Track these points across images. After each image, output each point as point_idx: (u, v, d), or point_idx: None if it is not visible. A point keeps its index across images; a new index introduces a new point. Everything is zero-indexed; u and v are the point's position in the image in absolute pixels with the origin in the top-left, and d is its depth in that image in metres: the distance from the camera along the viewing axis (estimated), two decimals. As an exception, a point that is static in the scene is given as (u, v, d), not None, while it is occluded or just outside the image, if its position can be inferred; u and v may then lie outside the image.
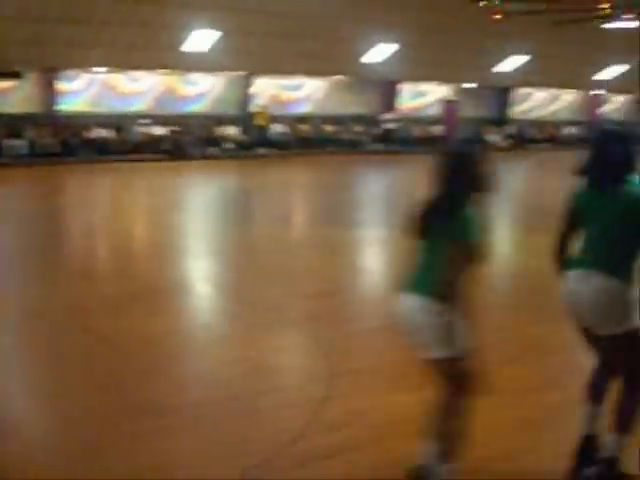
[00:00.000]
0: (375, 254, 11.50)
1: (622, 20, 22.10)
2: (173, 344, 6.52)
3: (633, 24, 22.31)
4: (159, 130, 26.60)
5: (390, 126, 31.35)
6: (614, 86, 37.20)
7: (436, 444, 3.82)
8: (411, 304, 3.75)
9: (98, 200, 17.32)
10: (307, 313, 7.57)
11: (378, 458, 4.43)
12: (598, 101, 40.10)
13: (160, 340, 6.53)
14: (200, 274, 9.78)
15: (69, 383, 5.57)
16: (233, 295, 8.44)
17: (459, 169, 3.74)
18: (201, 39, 24.61)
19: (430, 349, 3.74)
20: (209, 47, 24.94)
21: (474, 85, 34.26)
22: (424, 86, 33.64)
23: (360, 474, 4.27)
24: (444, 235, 3.64)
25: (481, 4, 20.01)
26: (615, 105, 41.72)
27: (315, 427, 4.80)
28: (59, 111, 25.02)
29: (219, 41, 24.69)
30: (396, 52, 28.20)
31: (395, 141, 31.24)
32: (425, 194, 3.77)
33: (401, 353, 6.29)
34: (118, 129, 25.82)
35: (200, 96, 28.24)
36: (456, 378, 3.76)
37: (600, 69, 35.19)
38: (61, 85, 25.20)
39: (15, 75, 23.99)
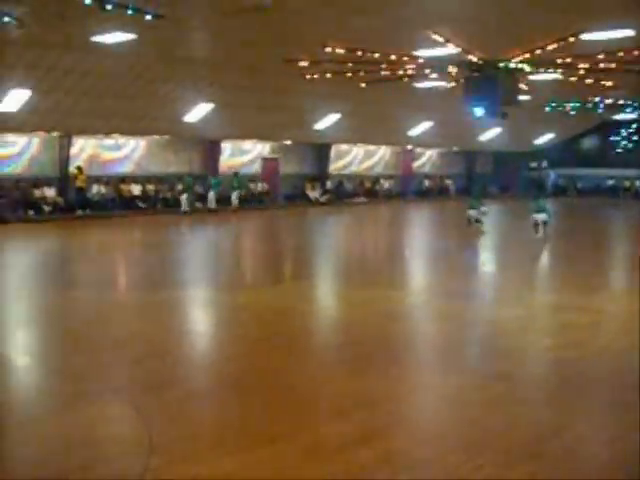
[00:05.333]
0: (200, 315, 11.38)
1: (431, 80, 23.45)
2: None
3: (441, 83, 23.76)
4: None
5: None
6: (423, 141, 39.24)
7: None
8: None
9: None
10: (127, 380, 7.38)
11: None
12: (411, 156, 42.09)
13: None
14: (17, 345, 9.29)
15: None
16: (49, 365, 8.08)
17: None
18: (12, 98, 23.71)
19: None
20: (20, 107, 24.01)
21: (289, 142, 35.00)
22: (246, 144, 34.04)
23: None
24: None
25: (301, 65, 20.64)
26: (425, 159, 44.00)
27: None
28: None
29: (30, 101, 23.82)
30: (215, 111, 28.40)
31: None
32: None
33: (224, 416, 6.33)
34: None
35: (15, 157, 27.17)
36: None
37: (412, 125, 36.97)
38: None
39: None
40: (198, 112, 28.39)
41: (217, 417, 6.41)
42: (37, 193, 26.86)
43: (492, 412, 6.38)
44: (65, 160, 27.89)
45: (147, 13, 14.45)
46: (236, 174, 31.57)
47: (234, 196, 31.08)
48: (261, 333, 9.44)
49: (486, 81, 20.49)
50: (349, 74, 21.89)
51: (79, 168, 27.66)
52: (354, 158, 39.51)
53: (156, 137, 30.27)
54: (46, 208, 26.63)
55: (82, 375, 7.44)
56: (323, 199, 35.42)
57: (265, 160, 34.97)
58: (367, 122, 33.16)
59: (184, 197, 29.31)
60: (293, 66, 21.14)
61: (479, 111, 21.44)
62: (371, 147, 39.76)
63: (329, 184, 36.86)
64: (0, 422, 6.24)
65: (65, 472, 5.07)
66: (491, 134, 41.01)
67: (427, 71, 21.81)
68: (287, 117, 30.06)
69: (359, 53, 18.58)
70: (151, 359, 8.11)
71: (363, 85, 24.41)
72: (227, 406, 6.63)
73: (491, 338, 9.29)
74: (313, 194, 35.57)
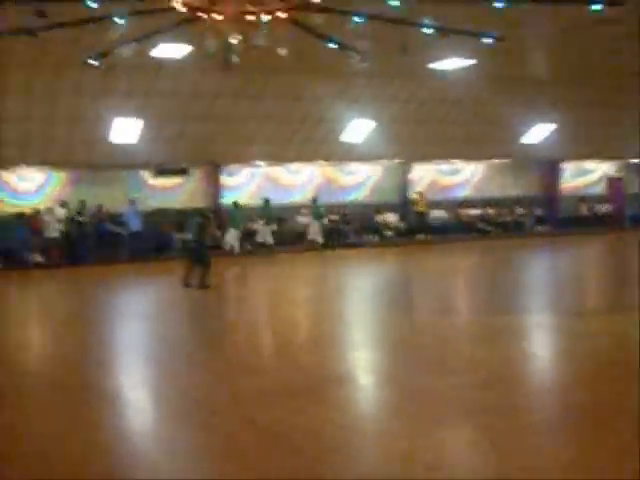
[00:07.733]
0: (541, 342, 10.97)
1: None
2: (336, 438, 6.33)
3: None
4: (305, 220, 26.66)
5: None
6: None
7: None
8: None
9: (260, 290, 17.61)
10: (474, 405, 7.23)
11: None
12: None
13: (322, 433, 6.39)
14: (363, 364, 9.60)
15: (236, 476, 5.51)
16: (397, 387, 8.19)
17: None
18: (357, 129, 25.08)
19: None
20: (365, 137, 25.33)
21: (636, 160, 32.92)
22: (587, 164, 32.65)
23: None
24: None
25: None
26: None
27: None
28: (223, 204, 25.87)
29: (374, 130, 25.06)
30: (555, 131, 27.67)
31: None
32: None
33: (573, 451, 5.91)
34: (280, 220, 26.33)
35: (359, 185, 28.56)
36: None
37: None
38: (225, 179, 26.17)
39: (183, 172, 25.27)
40: (537, 133, 27.84)
41: (567, 450, 5.98)
42: (379, 218, 27.95)
43: None
44: (405, 186, 28.77)
45: (486, 36, 14.35)
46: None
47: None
48: (608, 361, 8.83)
49: None
50: None
51: (420, 193, 28.34)
52: None
53: (494, 161, 30.11)
54: (388, 233, 27.61)
55: (428, 397, 7.45)
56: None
57: (610, 180, 33.28)
58: None
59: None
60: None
61: None
62: None
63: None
64: (349, 437, 6.40)
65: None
66: None
67: None
68: (632, 133, 28.33)
69: None
70: (497, 384, 7.94)
71: None
72: (576, 439, 6.22)
73: None
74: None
